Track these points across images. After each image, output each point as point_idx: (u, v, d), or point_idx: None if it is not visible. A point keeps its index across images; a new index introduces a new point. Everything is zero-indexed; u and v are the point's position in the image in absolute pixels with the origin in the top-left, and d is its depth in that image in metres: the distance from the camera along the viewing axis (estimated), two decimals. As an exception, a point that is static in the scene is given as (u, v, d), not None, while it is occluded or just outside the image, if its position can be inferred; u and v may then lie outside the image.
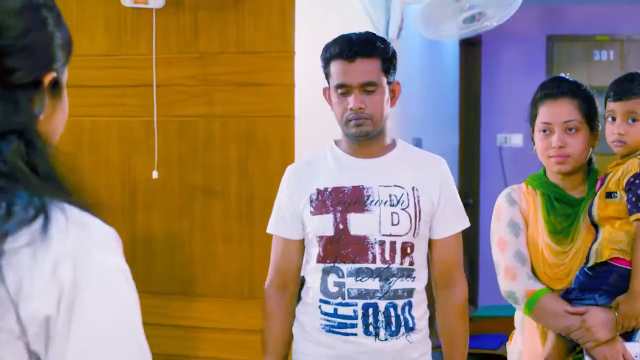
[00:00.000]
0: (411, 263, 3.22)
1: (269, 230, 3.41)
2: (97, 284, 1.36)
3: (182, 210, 4.29)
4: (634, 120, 3.13)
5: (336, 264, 3.21)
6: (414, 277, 3.24)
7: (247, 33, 4.17)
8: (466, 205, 8.40)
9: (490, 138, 9.12)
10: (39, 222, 1.34)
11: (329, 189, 3.25)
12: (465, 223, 3.37)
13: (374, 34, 3.28)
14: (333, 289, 3.23)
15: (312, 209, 3.26)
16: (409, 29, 5.62)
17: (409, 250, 3.21)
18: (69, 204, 1.40)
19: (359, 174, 3.25)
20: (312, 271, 3.30)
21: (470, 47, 8.89)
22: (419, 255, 3.26)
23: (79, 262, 1.35)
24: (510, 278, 3.25)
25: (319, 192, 3.26)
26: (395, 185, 3.23)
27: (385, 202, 3.20)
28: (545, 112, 3.25)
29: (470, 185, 9.00)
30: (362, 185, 3.22)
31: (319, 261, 3.25)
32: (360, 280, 3.19)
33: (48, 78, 1.48)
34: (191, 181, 4.27)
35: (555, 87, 3.27)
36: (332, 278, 3.23)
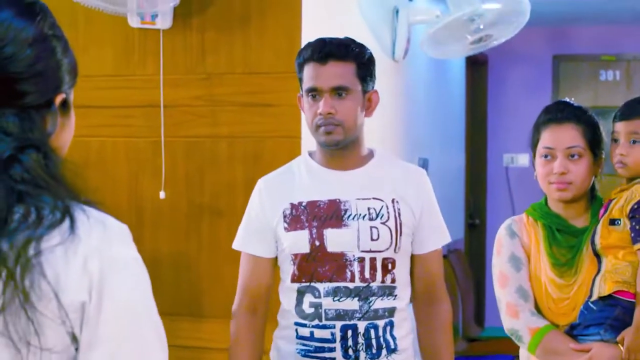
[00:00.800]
0: (393, 280, 3.04)
1: (235, 245, 3.23)
2: (120, 273, 1.60)
3: (189, 231, 4.29)
4: (634, 141, 3.08)
5: (312, 283, 3.02)
6: (396, 295, 3.05)
7: (254, 53, 4.18)
8: (473, 226, 8.41)
9: (496, 158, 9.12)
10: (66, 223, 1.55)
11: (304, 204, 3.06)
12: (447, 237, 3.22)
13: (351, 39, 3.12)
14: (309, 310, 3.03)
15: (286, 225, 3.06)
16: (415, 49, 5.63)
17: (390, 267, 3.03)
18: (86, 205, 1.63)
19: (334, 186, 3.07)
20: (286, 291, 3.11)
21: (476, 67, 8.89)
22: (402, 272, 3.08)
23: (104, 255, 1.57)
24: (512, 315, 3.15)
25: (292, 206, 3.07)
26: (374, 198, 3.05)
27: (363, 216, 3.02)
28: (548, 137, 3.15)
29: (476, 206, 8.98)
30: (339, 199, 3.04)
31: (293, 280, 3.06)
32: (338, 300, 2.99)
33: (58, 99, 1.67)
34: (198, 201, 4.27)
35: (559, 112, 3.17)
36: (308, 298, 3.03)
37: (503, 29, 4.88)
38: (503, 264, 3.20)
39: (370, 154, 3.17)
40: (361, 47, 3.08)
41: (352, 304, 2.99)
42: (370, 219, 3.02)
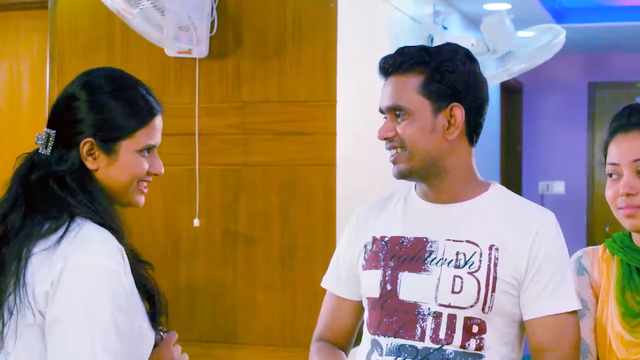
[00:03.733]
0: (479, 347, 2.37)
1: (322, 283, 2.72)
2: (75, 273, 2.02)
3: (224, 258, 4.30)
4: None
5: (377, 337, 2.45)
6: None
7: (289, 82, 4.19)
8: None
9: (531, 186, 9.09)
10: (58, 234, 2.05)
11: (386, 239, 2.51)
12: (568, 304, 2.40)
13: (426, 47, 2.51)
14: None
15: (364, 262, 2.54)
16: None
17: (475, 330, 2.37)
18: (94, 222, 2.10)
19: (426, 223, 2.49)
20: (364, 341, 2.53)
21: (511, 94, 8.88)
22: (494, 339, 2.39)
23: (69, 260, 2.02)
24: None
25: (374, 240, 2.53)
26: (467, 241, 2.42)
27: (449, 262, 2.41)
28: (613, 151, 2.46)
29: (512, 233, 8.93)
30: (426, 238, 2.45)
31: (368, 329, 2.50)
32: None
33: (83, 143, 2.15)
34: (233, 229, 4.28)
35: (624, 118, 2.48)
36: (373, 355, 2.46)
37: (537, 58, 4.88)
38: None
39: (483, 188, 2.53)
40: (435, 54, 2.47)
41: None
42: (457, 267, 2.40)
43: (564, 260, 2.45)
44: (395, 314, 2.42)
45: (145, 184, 2.31)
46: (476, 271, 2.38)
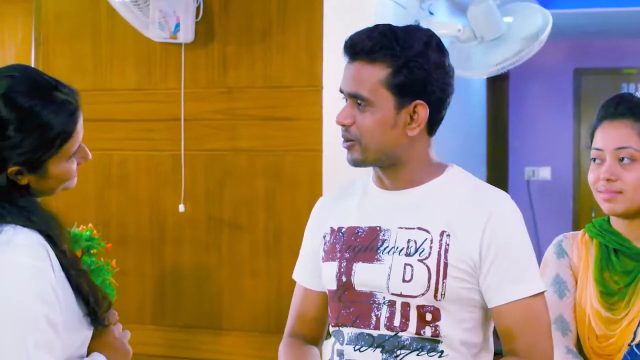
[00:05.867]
0: (435, 334, 2.32)
1: (293, 274, 2.72)
2: (1, 270, 2.01)
3: (209, 244, 4.30)
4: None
5: (339, 328, 2.42)
6: (442, 353, 2.33)
7: (275, 67, 4.19)
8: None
9: (518, 171, 9.10)
10: None
11: (343, 229, 2.45)
12: (533, 287, 2.33)
13: (397, 33, 2.36)
14: (335, 359, 2.45)
15: (323, 254, 2.50)
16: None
17: (429, 318, 2.32)
18: (24, 227, 2.07)
19: (380, 211, 2.42)
20: (331, 332, 2.53)
21: (497, 82, 8.89)
22: (452, 325, 2.34)
23: None
24: None
25: (332, 231, 2.49)
26: (418, 228, 2.35)
27: (400, 250, 2.35)
28: (599, 137, 2.56)
29: (498, 219, 8.95)
30: (379, 227, 2.39)
31: (330, 321, 2.50)
32: (359, 349, 2.39)
33: (10, 170, 2.11)
34: (218, 215, 4.28)
35: (612, 107, 2.57)
36: (335, 345, 2.45)
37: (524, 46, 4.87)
38: (546, 287, 2.46)
39: (439, 171, 2.44)
40: (406, 42, 2.33)
41: (373, 355, 2.37)
42: (407, 255, 2.34)
43: (523, 243, 2.36)
44: (353, 305, 2.39)
45: (77, 166, 2.25)
46: (426, 258, 2.32)
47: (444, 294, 2.31)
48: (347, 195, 2.54)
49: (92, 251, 3.71)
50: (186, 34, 4.19)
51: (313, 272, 2.56)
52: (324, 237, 2.51)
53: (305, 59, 4.14)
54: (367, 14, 4.73)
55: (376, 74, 2.32)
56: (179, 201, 4.28)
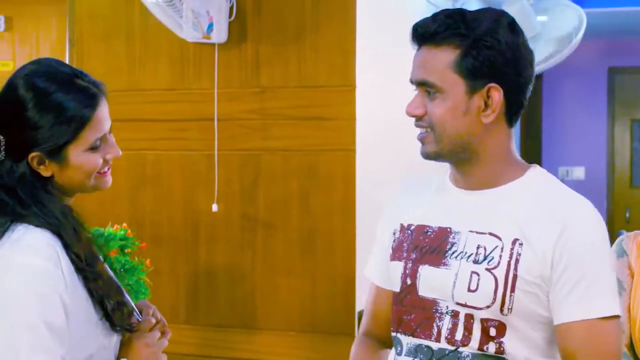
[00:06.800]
0: (499, 351, 2.11)
1: (364, 270, 2.53)
2: (6, 271, 2.01)
3: (243, 244, 4.30)
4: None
5: (398, 334, 2.26)
6: None
7: (308, 67, 4.19)
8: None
9: (551, 171, 8.95)
10: None
11: (412, 227, 2.29)
12: (604, 308, 2.07)
13: (464, 14, 2.19)
14: None
15: (391, 251, 2.32)
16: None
17: (493, 333, 2.12)
18: (43, 229, 2.07)
19: (452, 211, 2.24)
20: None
21: (531, 80, 8.85)
22: (518, 342, 2.13)
23: (2, 259, 2.02)
24: None
25: (402, 228, 2.32)
26: (490, 234, 2.16)
27: (469, 256, 2.16)
28: None
29: (531, 219, 8.91)
30: (450, 228, 2.22)
31: (391, 325, 2.31)
32: None
33: (31, 157, 2.12)
34: (252, 215, 4.28)
35: None
36: (394, 356, 2.28)
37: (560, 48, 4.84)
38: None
39: (520, 172, 2.27)
40: (474, 22, 2.15)
41: None
42: (475, 262, 2.15)
43: (601, 258, 2.11)
44: (414, 311, 2.22)
45: (106, 167, 2.23)
46: (494, 267, 2.12)
47: (511, 308, 2.10)
48: (420, 191, 2.37)
49: (126, 250, 3.73)
50: (220, 34, 4.19)
51: (383, 269, 2.37)
52: (394, 233, 2.34)
53: (338, 59, 4.13)
54: (400, 13, 4.72)
55: (443, 57, 2.14)
56: (212, 201, 4.28)
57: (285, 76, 4.24)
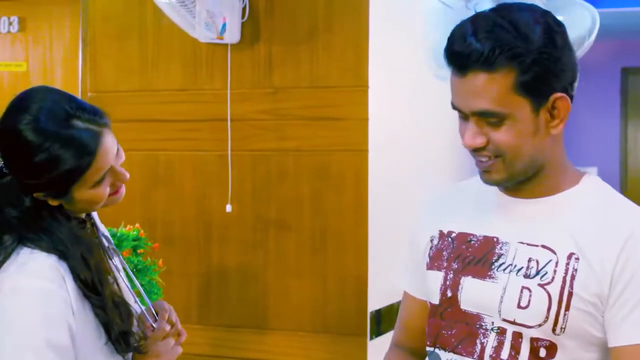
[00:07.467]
0: None
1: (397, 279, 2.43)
2: (9, 295, 2.03)
3: (255, 244, 4.30)
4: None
5: (436, 349, 2.13)
6: None
7: (321, 67, 4.18)
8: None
9: (564, 172, 9.05)
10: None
11: (454, 234, 2.15)
12: None
13: (505, 17, 1.95)
14: None
15: (428, 260, 2.20)
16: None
17: (543, 354, 1.97)
18: (41, 250, 2.09)
19: (499, 220, 2.10)
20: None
21: (543, 81, 8.84)
22: None
23: (5, 282, 2.05)
24: None
25: (441, 235, 2.19)
26: (542, 246, 2.01)
27: (518, 270, 2.01)
28: None
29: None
30: (497, 238, 2.08)
31: (427, 339, 2.20)
32: None
33: (36, 195, 2.14)
34: (265, 215, 4.28)
35: None
36: None
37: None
38: None
39: (574, 180, 2.13)
40: (526, 31, 1.93)
41: None
42: (526, 276, 2.00)
43: None
44: (456, 326, 2.08)
45: (115, 187, 2.29)
46: (548, 283, 1.97)
47: (564, 328, 1.96)
48: (461, 195, 2.25)
49: (139, 251, 3.73)
50: (232, 35, 4.19)
51: (417, 278, 2.25)
52: (431, 240, 2.21)
53: (351, 59, 4.13)
54: (413, 14, 4.72)
55: (502, 82, 1.94)
56: (224, 201, 4.28)
57: (298, 76, 4.24)
